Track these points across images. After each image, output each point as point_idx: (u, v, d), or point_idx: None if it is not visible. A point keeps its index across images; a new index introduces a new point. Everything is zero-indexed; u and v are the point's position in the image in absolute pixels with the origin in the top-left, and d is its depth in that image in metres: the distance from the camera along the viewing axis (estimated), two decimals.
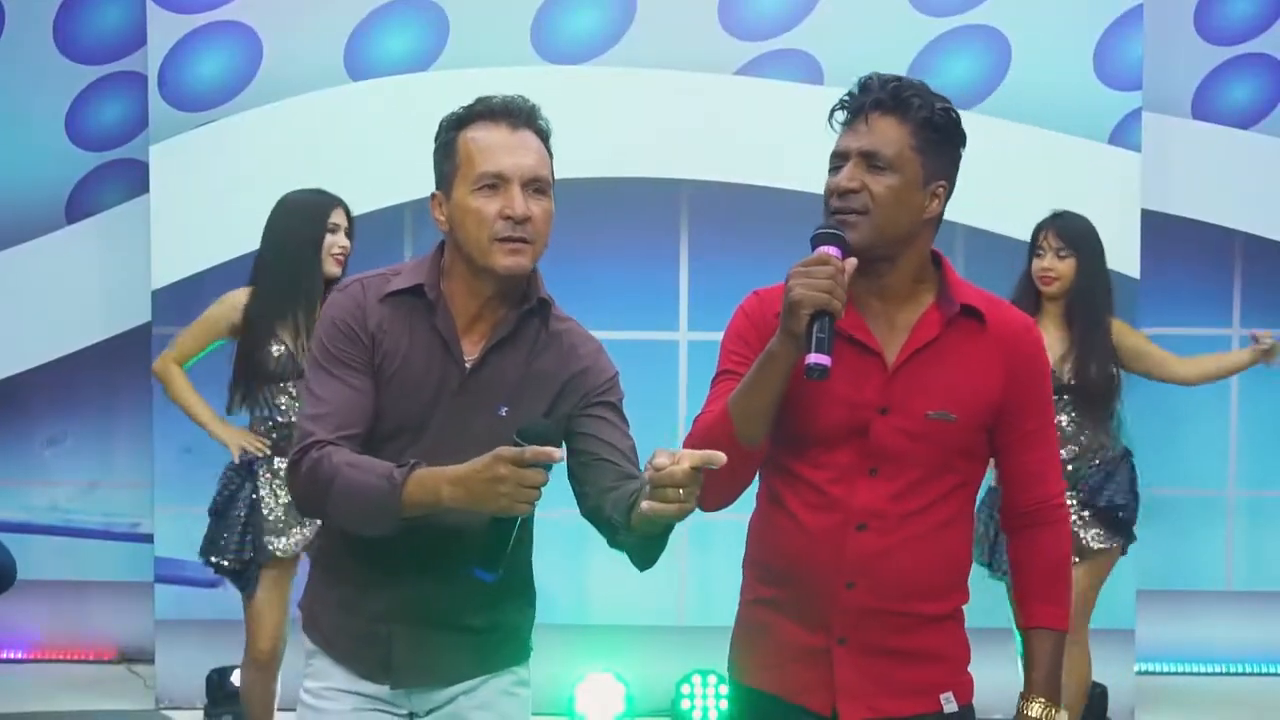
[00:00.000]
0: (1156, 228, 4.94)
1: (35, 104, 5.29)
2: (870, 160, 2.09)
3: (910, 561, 2.13)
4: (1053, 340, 4.06)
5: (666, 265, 4.85)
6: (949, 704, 2.18)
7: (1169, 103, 5.15)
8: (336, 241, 3.90)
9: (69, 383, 5.37)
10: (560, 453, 2.00)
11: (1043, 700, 2.18)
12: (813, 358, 1.95)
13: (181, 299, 4.87)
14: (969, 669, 2.24)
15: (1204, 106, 5.23)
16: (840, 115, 2.16)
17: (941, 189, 2.14)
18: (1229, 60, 5.24)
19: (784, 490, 2.17)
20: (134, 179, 5.18)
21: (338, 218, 3.93)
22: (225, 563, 3.95)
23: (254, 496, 3.93)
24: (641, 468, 2.22)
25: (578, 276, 4.59)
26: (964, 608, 2.24)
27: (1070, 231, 4.07)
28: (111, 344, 5.31)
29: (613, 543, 2.19)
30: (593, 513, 2.23)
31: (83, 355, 5.33)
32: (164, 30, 4.84)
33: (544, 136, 2.28)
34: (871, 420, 2.10)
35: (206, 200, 4.84)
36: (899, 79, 2.13)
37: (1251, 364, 4.26)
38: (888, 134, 2.09)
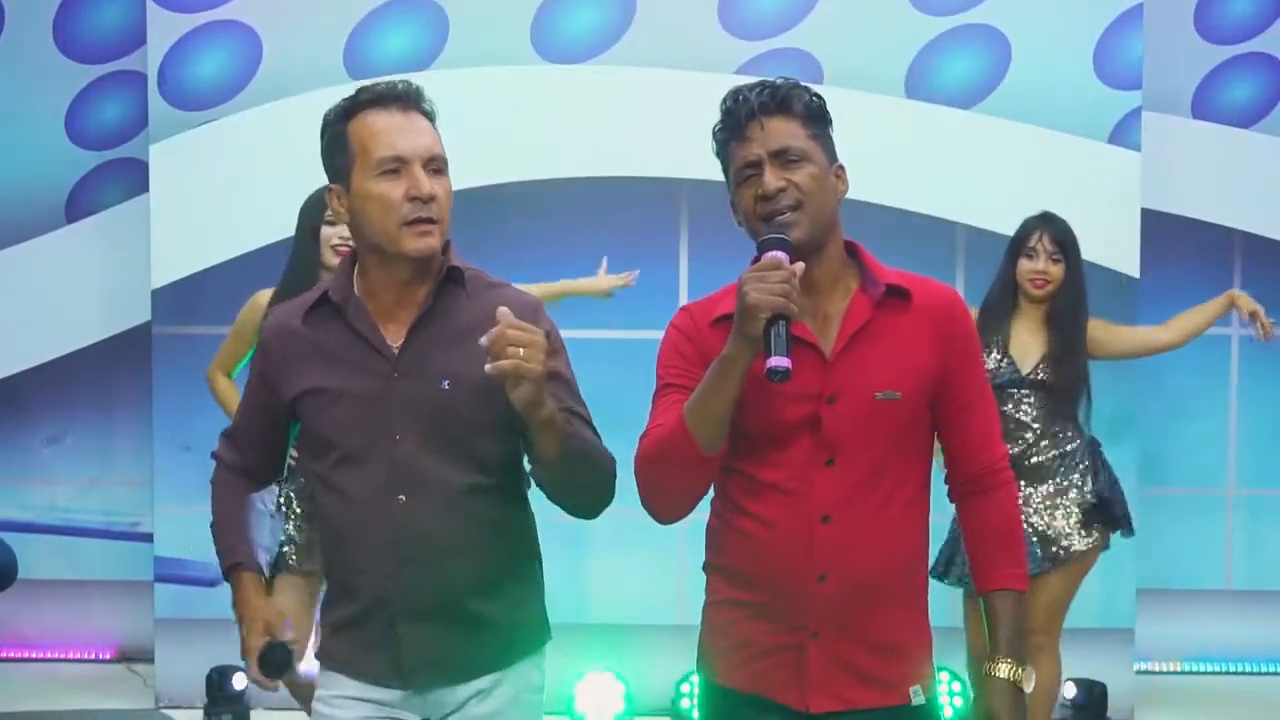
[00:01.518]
0: (1156, 227, 4.94)
1: (35, 104, 5.29)
2: (783, 158, 2.14)
3: (878, 547, 2.16)
4: (1031, 340, 4.08)
5: (666, 265, 4.85)
6: (917, 697, 2.21)
7: (1169, 102, 5.15)
8: (336, 233, 3.84)
9: (69, 382, 5.37)
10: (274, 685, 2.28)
11: (1010, 660, 2.21)
12: (774, 361, 1.98)
13: (181, 299, 4.88)
14: (932, 661, 2.27)
15: (1204, 106, 5.23)
16: (720, 138, 2.20)
17: (841, 170, 2.21)
18: (1229, 60, 5.24)
19: (743, 496, 2.19)
20: (134, 178, 5.18)
21: None
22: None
23: (280, 501, 3.94)
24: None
25: (578, 276, 4.59)
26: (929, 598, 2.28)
27: (1063, 235, 4.07)
28: (111, 343, 5.31)
29: (551, 497, 2.27)
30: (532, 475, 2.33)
31: (83, 355, 5.33)
32: (164, 29, 4.84)
33: (431, 118, 2.27)
34: (821, 410, 2.13)
35: (206, 200, 4.85)
36: (767, 81, 2.18)
37: (1225, 311, 4.33)
38: (785, 130, 2.15)
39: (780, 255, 2.03)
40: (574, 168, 4.80)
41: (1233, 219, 5.23)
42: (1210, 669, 5.35)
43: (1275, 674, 5.36)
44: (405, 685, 2.27)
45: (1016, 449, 4.02)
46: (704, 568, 2.31)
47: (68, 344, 5.33)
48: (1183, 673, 5.29)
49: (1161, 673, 5.17)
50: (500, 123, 4.67)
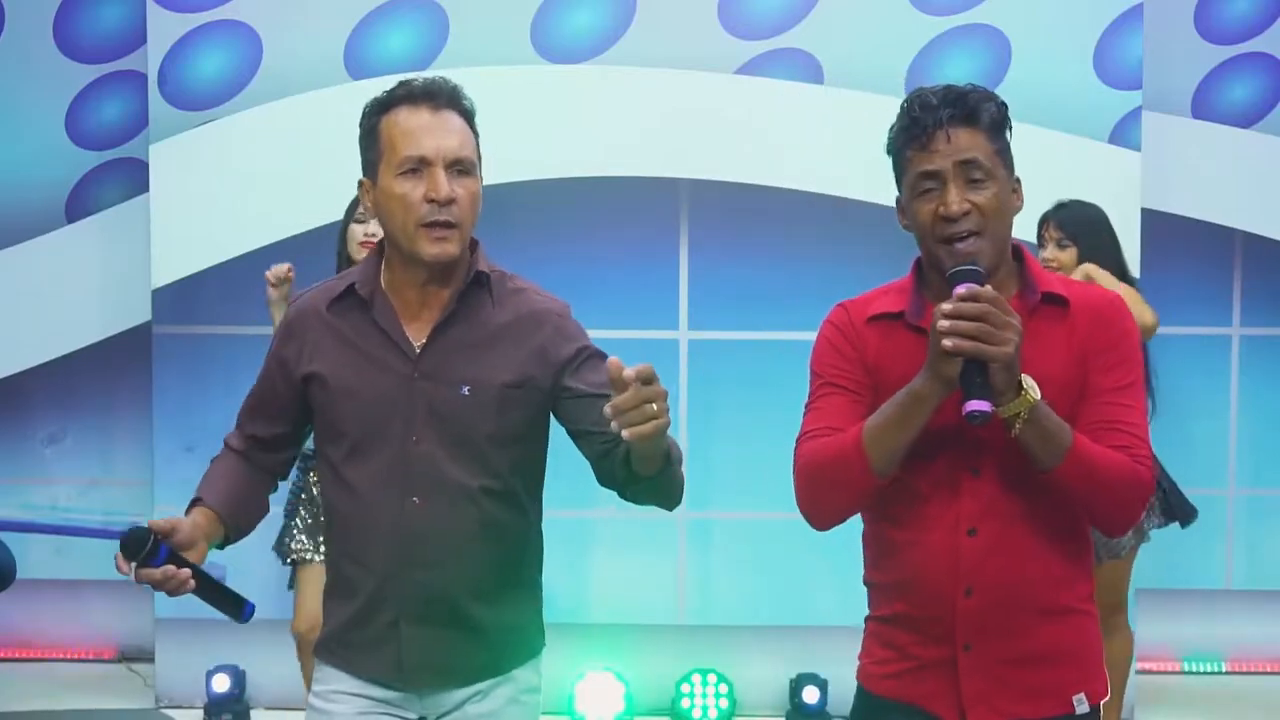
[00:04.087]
0: (1156, 227, 4.94)
1: (35, 103, 5.29)
2: (969, 173, 2.06)
3: (1025, 559, 2.10)
4: None
5: (666, 264, 4.85)
6: (1081, 705, 2.15)
7: (1169, 102, 5.15)
8: (363, 229, 3.87)
9: (69, 382, 5.37)
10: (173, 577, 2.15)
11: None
12: (974, 405, 1.95)
13: (181, 298, 4.88)
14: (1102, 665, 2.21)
15: (1204, 105, 5.23)
16: (898, 140, 2.12)
17: (1018, 183, 2.14)
18: (1229, 59, 5.24)
19: (889, 506, 2.15)
20: (134, 178, 5.18)
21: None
22: (290, 558, 4.00)
23: (302, 495, 3.96)
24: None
25: (578, 276, 4.59)
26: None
27: (1070, 222, 4.08)
28: (111, 343, 5.30)
29: (631, 498, 2.20)
30: (598, 478, 2.24)
31: (83, 355, 5.33)
32: (164, 29, 4.84)
33: (468, 116, 2.27)
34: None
35: (206, 199, 4.84)
36: (953, 89, 2.10)
37: None
38: (973, 143, 2.07)
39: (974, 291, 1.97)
40: (574, 168, 4.80)
41: (1233, 219, 5.23)
42: (1210, 669, 5.35)
43: (1275, 674, 5.36)
44: (405, 685, 2.27)
45: None
46: (863, 581, 2.28)
47: (68, 344, 5.33)
48: (1183, 673, 5.29)
49: (1161, 673, 5.16)
50: (500, 122, 4.65)
